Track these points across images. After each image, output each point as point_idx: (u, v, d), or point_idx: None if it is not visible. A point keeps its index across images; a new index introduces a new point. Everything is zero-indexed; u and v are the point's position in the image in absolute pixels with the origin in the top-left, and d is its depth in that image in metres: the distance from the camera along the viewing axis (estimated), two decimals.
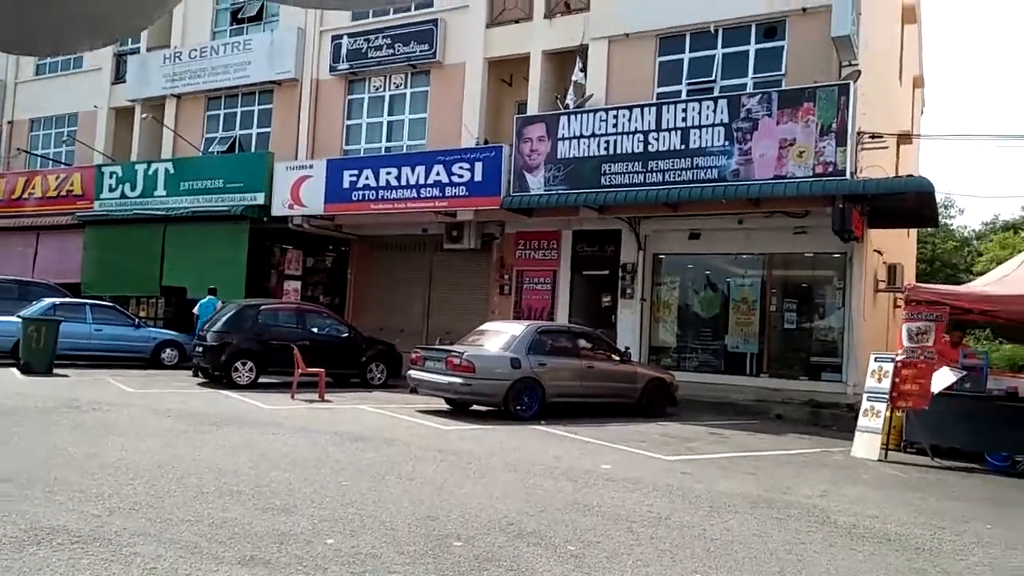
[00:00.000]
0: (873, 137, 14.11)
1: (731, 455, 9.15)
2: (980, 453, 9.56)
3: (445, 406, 12.08)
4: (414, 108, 18.98)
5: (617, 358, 13.16)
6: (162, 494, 5.62)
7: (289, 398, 12.29)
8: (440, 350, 12.06)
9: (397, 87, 19.25)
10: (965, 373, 9.80)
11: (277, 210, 18.74)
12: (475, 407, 11.83)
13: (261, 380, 13.92)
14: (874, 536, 5.67)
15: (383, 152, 18.92)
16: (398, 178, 17.20)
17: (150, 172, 20.83)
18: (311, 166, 18.69)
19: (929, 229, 30.25)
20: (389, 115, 19.35)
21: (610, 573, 4.45)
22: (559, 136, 15.73)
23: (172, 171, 20.53)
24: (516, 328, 12.28)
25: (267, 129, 21.01)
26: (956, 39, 73.06)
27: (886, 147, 15.06)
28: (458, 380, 11.14)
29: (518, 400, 11.35)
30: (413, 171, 17.05)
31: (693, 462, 8.53)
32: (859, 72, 13.54)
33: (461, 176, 16.50)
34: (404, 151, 18.54)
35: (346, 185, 17.85)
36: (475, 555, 4.60)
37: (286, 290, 20.17)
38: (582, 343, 12.91)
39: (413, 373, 12.10)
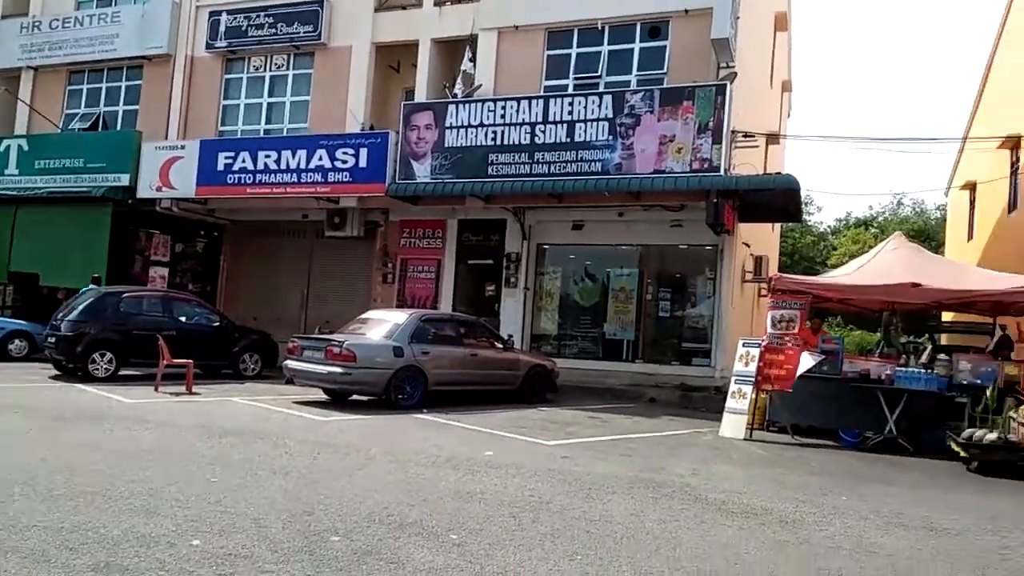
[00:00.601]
0: (746, 136, 14.82)
1: (609, 438, 9.38)
2: (835, 430, 10.23)
3: (323, 397, 11.75)
4: (296, 90, 18.31)
5: (500, 346, 13.24)
6: (4, 498, 5.13)
7: (153, 391, 11.59)
8: (319, 339, 11.72)
9: (279, 68, 18.51)
10: (823, 357, 10.47)
11: (144, 192, 17.64)
12: (355, 397, 11.57)
13: (122, 373, 13.06)
14: (742, 511, 5.94)
15: (262, 135, 18.14)
16: (277, 162, 16.55)
17: (1, 149, 19.10)
18: (183, 147, 17.70)
19: (790, 224, 32.20)
20: (269, 96, 18.58)
21: (493, 560, 4.42)
22: (447, 125, 15.60)
23: (26, 148, 18.92)
24: (399, 316, 12.11)
25: (135, 107, 19.70)
26: (820, 48, 78.03)
27: (757, 146, 15.86)
28: (338, 370, 10.85)
29: (400, 389, 11.20)
30: (294, 155, 16.45)
31: (573, 446, 8.68)
32: (735, 74, 14.16)
33: (345, 162, 16.07)
34: (284, 134, 17.85)
35: (221, 168, 17.01)
36: (354, 549, 4.46)
37: (152, 277, 19.01)
38: (465, 331, 12.90)
39: (290, 363, 11.70)
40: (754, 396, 10.37)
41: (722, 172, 13.68)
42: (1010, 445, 8.35)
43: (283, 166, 16.49)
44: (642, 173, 14.17)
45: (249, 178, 16.78)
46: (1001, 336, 12.12)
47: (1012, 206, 17.66)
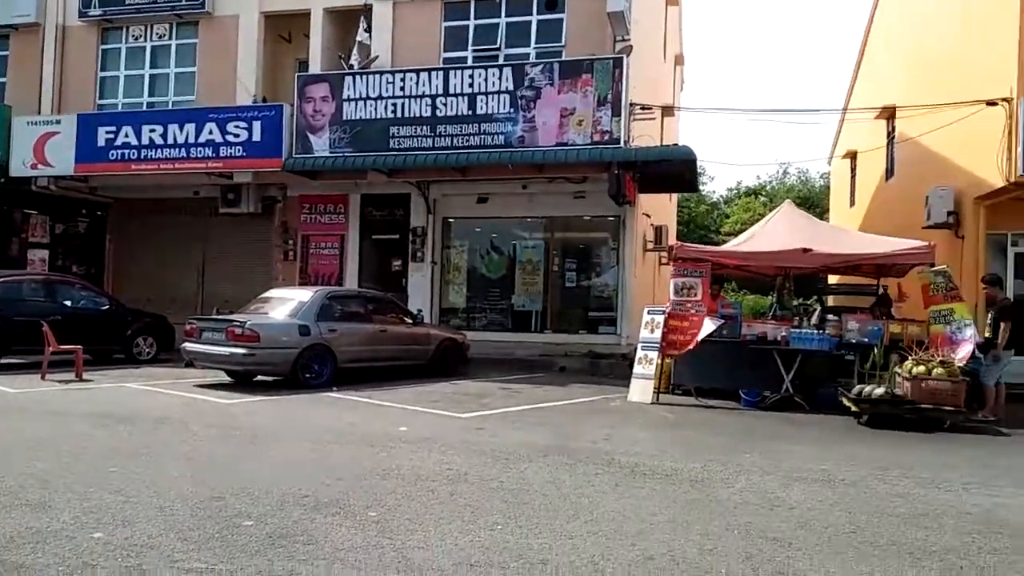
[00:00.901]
0: (643, 108, 15.08)
1: (522, 408, 9.47)
2: (736, 391, 10.68)
3: (227, 379, 11.33)
4: (181, 61, 17.36)
5: (409, 321, 13.11)
6: None
7: (39, 379, 10.88)
8: (219, 320, 11.28)
9: (160, 38, 17.48)
10: (723, 321, 10.87)
11: (17, 170, 16.43)
12: (260, 378, 11.22)
13: (3, 362, 12.19)
14: (654, 473, 6.12)
15: (145, 108, 17.12)
16: (164, 136, 15.71)
17: None
18: (58, 121, 16.55)
19: (686, 194, 33.21)
20: (152, 68, 17.57)
21: (413, 535, 4.39)
22: (344, 97, 15.17)
23: None
24: (304, 294, 11.78)
25: (1, 79, 18.19)
26: (709, 22, 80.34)
27: (654, 118, 16.19)
28: (240, 351, 10.48)
29: (308, 368, 10.94)
30: (182, 129, 15.66)
31: (487, 417, 8.71)
32: (631, 47, 14.36)
33: (237, 135, 15.41)
34: (170, 107, 16.93)
35: (101, 143, 16.01)
36: (268, 533, 4.33)
37: (31, 260, 17.77)
38: (373, 307, 12.70)
39: (189, 346, 11.21)
40: (660, 361, 10.69)
41: (622, 144, 13.92)
42: (896, 399, 8.93)
43: (170, 141, 15.67)
44: (545, 146, 14.24)
45: (133, 154, 15.87)
46: (880, 295, 12.92)
47: (889, 173, 18.77)
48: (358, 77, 15.21)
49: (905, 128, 16.84)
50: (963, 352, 9.37)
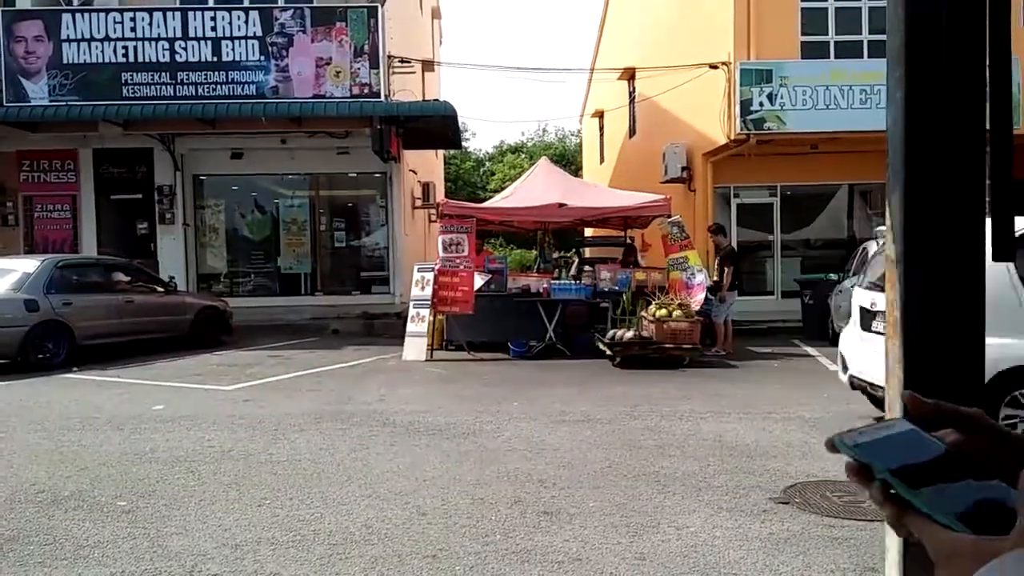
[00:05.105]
0: (402, 62, 14.90)
1: (293, 375, 9.14)
2: (506, 343, 11.14)
3: None
4: None
5: (161, 289, 12.06)
6: None
7: None
8: None
9: None
10: (490, 276, 11.23)
11: None
12: None
13: None
14: (428, 429, 6.22)
15: None
16: None
17: None
18: None
19: (453, 151, 33.63)
20: None
21: (170, 521, 4.08)
22: (63, 38, 13.36)
23: None
24: (28, 264, 10.33)
25: None
26: None
27: (413, 72, 16.08)
28: None
29: (40, 348, 9.70)
30: None
31: (255, 388, 8.30)
32: None
33: None
34: None
35: None
36: None
37: None
38: (117, 276, 11.52)
39: None
40: (432, 318, 10.82)
41: (383, 98, 13.68)
42: (643, 340, 9.82)
43: None
44: (301, 97, 13.61)
45: None
46: (627, 246, 14.09)
47: (632, 132, 20.34)
48: (79, 15, 13.43)
49: (644, 88, 18.27)
50: (698, 295, 10.51)
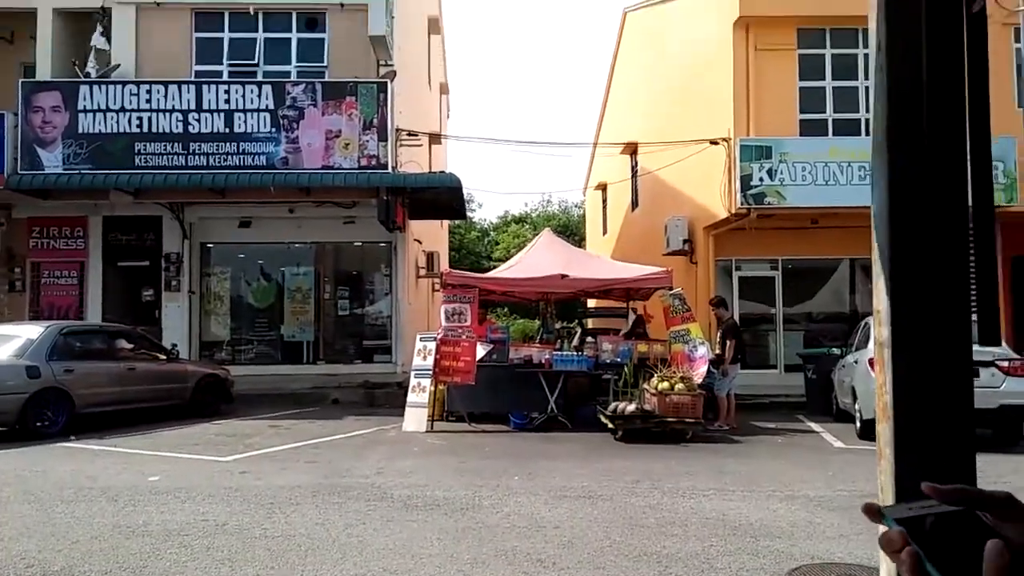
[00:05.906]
0: (410, 135, 15.26)
1: (292, 446, 9.03)
2: (507, 414, 11.03)
3: None
4: None
5: (163, 357, 12.05)
6: None
7: None
8: None
9: None
10: (492, 346, 11.21)
11: None
12: None
13: None
14: (426, 504, 6.10)
15: None
16: None
17: None
18: None
19: (458, 221, 34.05)
20: None
21: None
22: (80, 108, 13.73)
23: None
24: (32, 331, 10.36)
25: None
26: (473, 53, 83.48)
27: (421, 144, 16.44)
28: None
29: (40, 415, 9.62)
30: None
31: (252, 459, 8.19)
32: (395, 72, 14.49)
33: None
34: None
35: None
36: None
37: None
38: (120, 344, 11.52)
39: None
40: (433, 388, 10.75)
41: (390, 169, 13.95)
42: (645, 414, 9.72)
43: None
44: (310, 168, 13.88)
45: None
46: (636, 317, 14.09)
47: (634, 204, 20.62)
48: (96, 86, 13.82)
49: (646, 162, 18.62)
50: (700, 368, 10.45)
